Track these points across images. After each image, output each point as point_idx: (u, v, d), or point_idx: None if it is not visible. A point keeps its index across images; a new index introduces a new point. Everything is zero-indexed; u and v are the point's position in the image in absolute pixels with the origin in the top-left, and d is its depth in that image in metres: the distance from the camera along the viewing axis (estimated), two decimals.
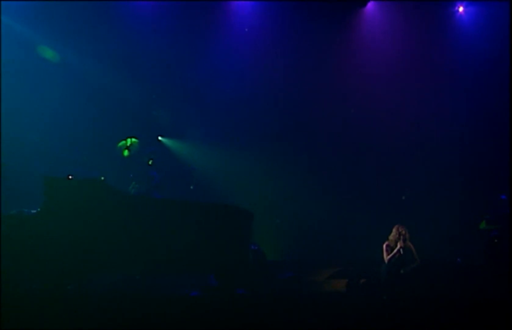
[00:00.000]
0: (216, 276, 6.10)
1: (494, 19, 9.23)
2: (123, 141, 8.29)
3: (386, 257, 7.02)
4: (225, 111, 10.06)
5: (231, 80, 9.97)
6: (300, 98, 10.00)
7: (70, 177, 6.21)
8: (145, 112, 9.63)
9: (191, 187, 9.42)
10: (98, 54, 9.31)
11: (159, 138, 9.85)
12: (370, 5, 9.72)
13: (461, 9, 9.66)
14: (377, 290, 6.89)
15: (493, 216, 8.41)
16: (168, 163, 9.58)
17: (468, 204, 9.22)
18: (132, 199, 6.53)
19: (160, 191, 7.98)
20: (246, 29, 10.01)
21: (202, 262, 6.06)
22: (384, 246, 7.08)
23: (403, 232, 6.92)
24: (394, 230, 7.02)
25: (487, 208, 8.67)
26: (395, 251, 6.93)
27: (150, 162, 8.19)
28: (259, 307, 5.56)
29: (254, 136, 10.05)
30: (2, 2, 8.25)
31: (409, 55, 9.63)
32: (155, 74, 9.77)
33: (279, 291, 6.73)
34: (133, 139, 8.26)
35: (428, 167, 9.60)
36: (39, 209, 5.68)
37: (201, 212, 6.14)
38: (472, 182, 9.40)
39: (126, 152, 8.19)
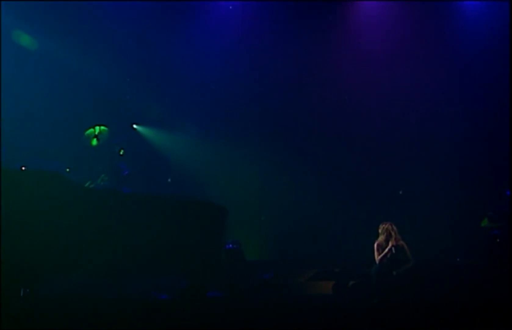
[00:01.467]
0: (187, 277, 5.84)
1: (496, 12, 9.19)
2: (91, 129, 7.97)
3: (377, 257, 6.83)
4: (208, 99, 9.83)
5: (216, 67, 9.75)
6: (289, 88, 9.83)
7: (23, 168, 5.86)
8: (118, 98, 9.36)
9: (169, 180, 9.22)
10: (66, 36, 8.97)
11: (134, 126, 9.62)
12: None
13: None
14: (367, 293, 6.69)
15: (496, 213, 8.25)
16: (143, 154, 9.37)
17: (469, 200, 9.06)
18: (94, 194, 6.20)
19: (131, 184, 7.70)
20: (231, 7, 9.74)
21: (172, 262, 5.78)
22: (375, 245, 6.89)
23: (389, 228, 6.74)
24: (380, 229, 6.85)
25: (490, 204, 8.51)
26: (386, 250, 6.75)
27: (121, 153, 7.89)
28: (233, 311, 5.35)
29: (239, 127, 9.86)
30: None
31: (407, 48, 9.54)
32: (129, 57, 9.48)
33: (256, 294, 6.52)
34: (102, 127, 7.95)
35: (426, 160, 9.45)
36: None
37: (170, 207, 5.85)
38: (473, 176, 9.23)
39: (94, 142, 7.88)
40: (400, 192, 9.53)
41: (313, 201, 9.49)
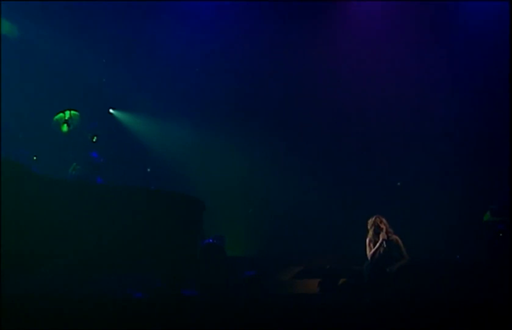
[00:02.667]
0: (160, 274, 5.72)
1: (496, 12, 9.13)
2: (61, 114, 7.77)
3: (368, 253, 6.74)
4: (192, 83, 9.67)
5: (202, 50, 9.59)
6: (279, 75, 9.68)
7: None
8: (93, 81, 9.14)
9: (148, 170, 9.11)
10: (35, 15, 8.73)
11: (111, 111, 9.44)
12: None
13: None
14: (358, 292, 6.59)
15: (500, 206, 8.06)
16: (121, 141, 9.24)
17: (470, 191, 8.96)
18: (59, 184, 5.99)
19: (106, 174, 7.54)
20: None
21: (144, 258, 5.65)
22: (367, 240, 6.81)
23: (378, 221, 6.66)
24: (368, 224, 6.80)
25: (493, 196, 8.36)
26: (377, 244, 6.66)
27: (94, 140, 7.72)
28: (209, 310, 5.18)
29: (226, 113, 9.69)
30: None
31: (405, 45, 9.49)
32: (105, 36, 9.24)
33: (235, 292, 6.40)
34: (73, 112, 7.75)
35: (423, 150, 9.33)
36: None
37: (142, 200, 5.70)
38: (475, 166, 9.12)
39: (65, 127, 7.69)
40: (399, 183, 9.45)
41: (305, 194, 9.38)
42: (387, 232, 6.64)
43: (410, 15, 9.38)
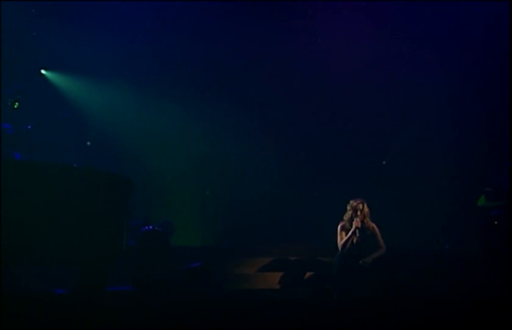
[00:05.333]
0: (80, 267, 5.41)
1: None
2: None
3: (339, 243, 6.57)
4: (140, 39, 9.37)
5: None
6: (247, 38, 9.52)
7: None
8: (20, 35, 8.68)
9: (88, 143, 8.97)
10: None
11: (42, 71, 9.10)
12: None
13: None
14: (326, 287, 6.41)
15: (496, 189, 7.94)
16: (55, 108, 8.84)
17: (462, 172, 8.94)
18: None
19: (27, 148, 7.16)
20: None
21: (67, 250, 5.30)
22: (339, 227, 6.64)
23: (360, 207, 6.49)
24: (348, 205, 6.63)
25: (489, 178, 8.22)
26: (350, 233, 6.48)
27: (15, 106, 7.34)
28: (141, 308, 4.94)
29: (178, 75, 9.42)
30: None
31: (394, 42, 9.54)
32: None
33: (177, 288, 6.18)
34: None
35: (408, 125, 9.34)
36: None
37: (61, 179, 5.27)
38: (468, 143, 9.11)
39: None
40: (384, 162, 9.52)
41: (272, 175, 9.31)
42: (362, 219, 6.47)
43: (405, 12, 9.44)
